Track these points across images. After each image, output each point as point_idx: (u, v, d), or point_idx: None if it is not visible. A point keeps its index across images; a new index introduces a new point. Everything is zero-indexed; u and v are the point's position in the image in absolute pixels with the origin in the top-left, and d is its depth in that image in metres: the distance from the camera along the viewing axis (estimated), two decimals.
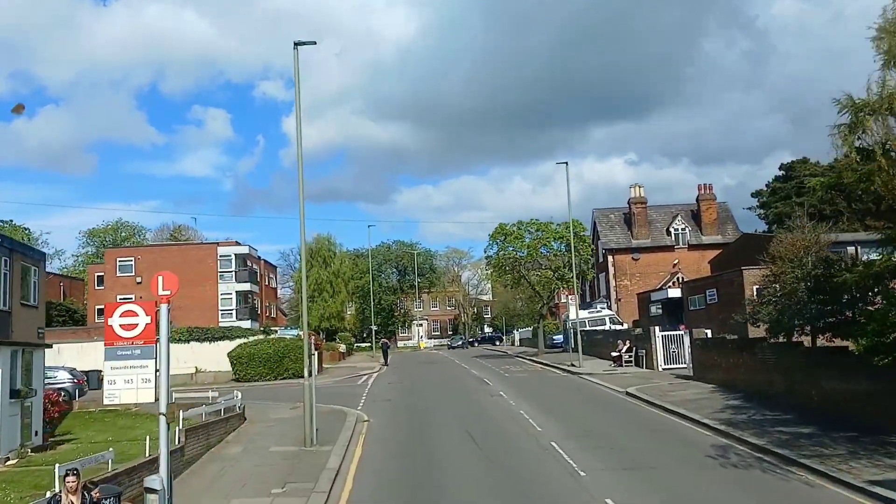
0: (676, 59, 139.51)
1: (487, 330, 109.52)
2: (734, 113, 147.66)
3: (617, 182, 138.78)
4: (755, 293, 27.64)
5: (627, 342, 35.96)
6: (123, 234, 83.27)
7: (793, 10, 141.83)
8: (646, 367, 33.99)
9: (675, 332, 33.64)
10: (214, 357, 39.23)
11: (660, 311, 48.00)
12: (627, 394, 25.86)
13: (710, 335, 30.27)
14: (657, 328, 33.79)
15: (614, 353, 36.43)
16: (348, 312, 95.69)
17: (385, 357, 53.90)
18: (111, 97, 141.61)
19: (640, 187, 58.72)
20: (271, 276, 68.24)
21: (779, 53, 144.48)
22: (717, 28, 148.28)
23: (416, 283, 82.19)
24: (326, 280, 67.42)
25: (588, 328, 49.46)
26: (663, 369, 33.07)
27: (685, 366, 30.91)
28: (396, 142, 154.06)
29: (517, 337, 78.21)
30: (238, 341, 39.60)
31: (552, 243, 47.05)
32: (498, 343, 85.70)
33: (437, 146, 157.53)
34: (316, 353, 42.00)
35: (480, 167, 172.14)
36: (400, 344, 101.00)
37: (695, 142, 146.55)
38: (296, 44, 19.27)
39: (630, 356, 35.40)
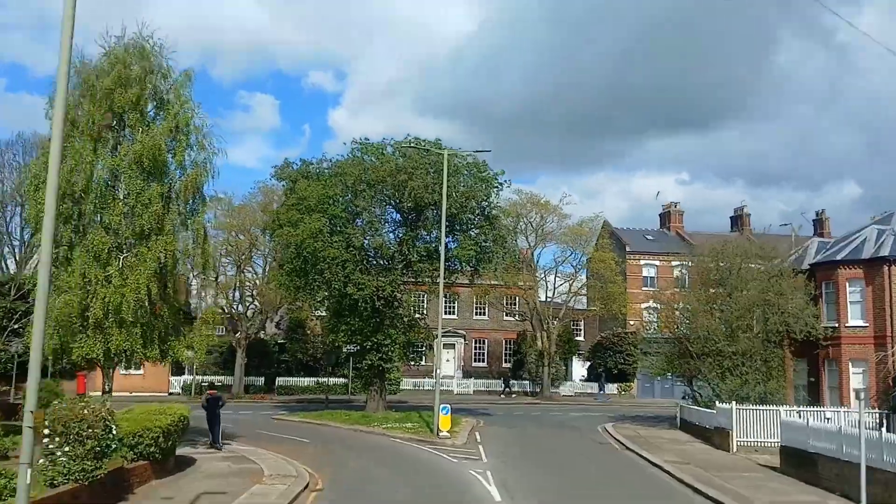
0: (745, 70, 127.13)
1: (579, 370, 57.13)
2: (802, 132, 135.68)
3: (664, 199, 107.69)
4: None
5: None
6: None
7: (876, 24, 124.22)
8: None
9: None
10: None
11: None
12: None
13: None
14: None
15: None
16: (317, 313, 45.53)
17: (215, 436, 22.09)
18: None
19: None
20: None
21: (857, 70, 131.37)
22: (791, 39, 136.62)
23: (444, 249, 30.72)
24: (124, 177, 17.54)
25: None
26: None
27: None
28: (444, 142, 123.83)
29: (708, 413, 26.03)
30: None
31: None
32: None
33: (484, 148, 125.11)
34: None
35: (528, 174, 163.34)
36: (409, 385, 49.68)
37: (754, 161, 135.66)
38: None
39: None
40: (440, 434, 26.02)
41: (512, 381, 52.03)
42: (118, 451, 14.65)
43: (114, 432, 13.69)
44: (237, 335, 46.95)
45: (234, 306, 47.42)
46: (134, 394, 44.28)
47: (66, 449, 12.70)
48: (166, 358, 20.62)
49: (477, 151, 28.81)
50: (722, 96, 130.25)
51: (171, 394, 46.65)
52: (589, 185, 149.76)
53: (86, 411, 13.01)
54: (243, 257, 44.92)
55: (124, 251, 19.28)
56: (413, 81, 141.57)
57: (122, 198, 19.20)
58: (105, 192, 19.10)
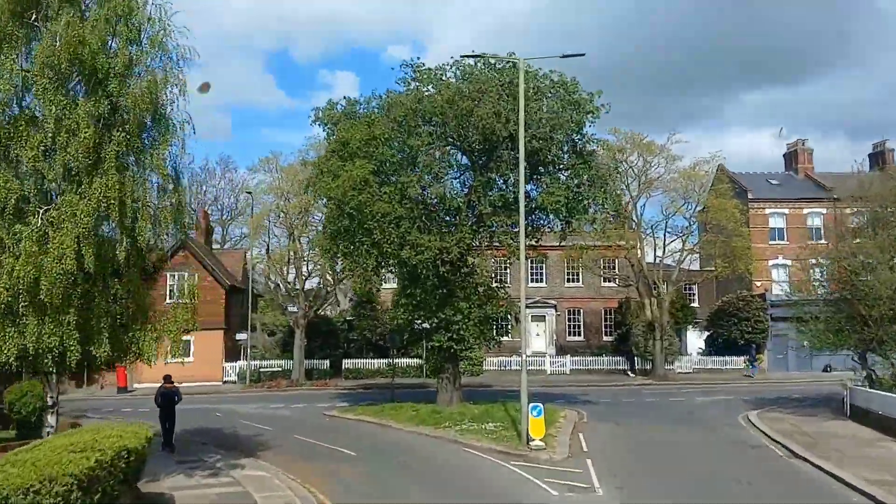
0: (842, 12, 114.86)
1: (695, 342, 48.60)
2: None
3: (762, 155, 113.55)
4: None
5: None
6: None
7: None
8: None
9: None
10: None
11: None
12: None
13: None
14: None
15: None
16: (381, 287, 39.56)
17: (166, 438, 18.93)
18: (241, 60, 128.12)
19: None
20: None
21: None
22: None
23: (523, 192, 23.98)
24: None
25: None
26: None
27: None
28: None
29: None
30: None
31: None
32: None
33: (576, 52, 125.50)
34: None
35: (612, 134, 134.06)
36: (493, 364, 43.21)
37: (851, 112, 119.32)
38: None
39: None
40: (531, 443, 18.99)
41: (637, 358, 44.18)
42: None
43: None
44: (296, 313, 41.30)
45: (291, 280, 41.76)
46: (183, 384, 39.44)
47: None
48: (128, 358, 14.40)
49: (565, 56, 20.91)
50: (818, 45, 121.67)
51: (225, 382, 41.62)
52: (677, 143, 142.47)
53: None
54: (295, 223, 38.88)
55: (54, 201, 13.11)
56: (489, 46, 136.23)
57: (39, 123, 12.95)
58: (17, 117, 12.90)
